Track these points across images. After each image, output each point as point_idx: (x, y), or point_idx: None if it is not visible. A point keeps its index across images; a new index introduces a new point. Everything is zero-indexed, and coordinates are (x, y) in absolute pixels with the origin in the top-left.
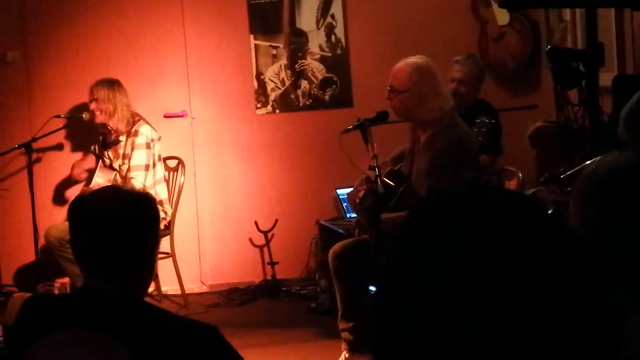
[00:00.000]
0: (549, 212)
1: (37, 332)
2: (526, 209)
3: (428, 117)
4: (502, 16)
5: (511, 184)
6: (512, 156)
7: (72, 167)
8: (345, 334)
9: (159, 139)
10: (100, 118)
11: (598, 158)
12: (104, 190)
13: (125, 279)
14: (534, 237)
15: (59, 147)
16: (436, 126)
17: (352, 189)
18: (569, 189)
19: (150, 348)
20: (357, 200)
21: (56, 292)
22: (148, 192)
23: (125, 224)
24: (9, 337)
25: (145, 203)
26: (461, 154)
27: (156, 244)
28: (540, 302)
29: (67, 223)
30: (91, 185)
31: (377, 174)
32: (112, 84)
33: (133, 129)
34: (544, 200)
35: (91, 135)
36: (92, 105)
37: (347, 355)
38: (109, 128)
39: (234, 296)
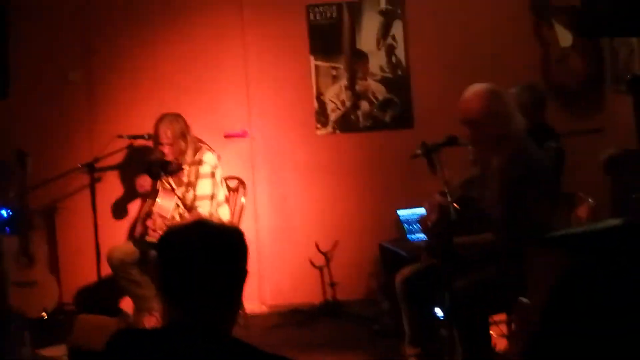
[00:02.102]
0: None
1: None
2: None
3: (516, 133)
4: (565, 38)
5: (581, 210)
6: (577, 181)
7: (136, 179)
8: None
9: (219, 158)
10: (170, 157)
11: None
12: (192, 224)
13: (214, 314)
14: None
15: (120, 166)
16: (510, 148)
17: (418, 210)
18: None
19: None
20: (429, 224)
21: (131, 321)
22: (237, 227)
23: (215, 259)
24: None
25: (235, 238)
26: (536, 178)
27: (244, 278)
28: None
29: (129, 244)
30: (154, 209)
31: (449, 200)
32: (178, 121)
33: (196, 158)
34: None
35: (148, 155)
36: (164, 148)
37: None
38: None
39: (295, 317)
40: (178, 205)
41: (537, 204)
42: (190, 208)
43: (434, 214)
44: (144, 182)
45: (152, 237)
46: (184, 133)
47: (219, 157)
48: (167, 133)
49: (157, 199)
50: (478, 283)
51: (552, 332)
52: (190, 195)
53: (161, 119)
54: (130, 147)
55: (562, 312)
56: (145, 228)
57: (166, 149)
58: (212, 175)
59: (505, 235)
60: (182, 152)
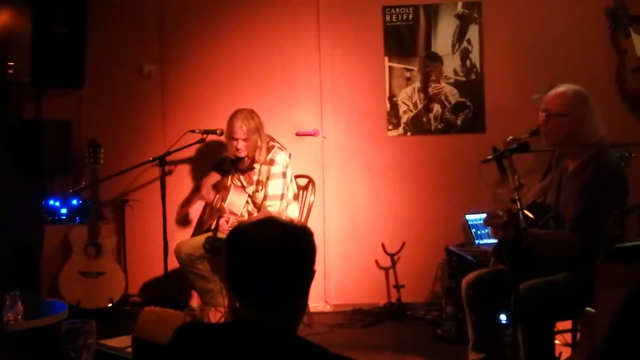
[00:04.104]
0: None
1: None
2: None
3: (585, 141)
4: None
5: None
6: None
7: (202, 186)
8: None
9: (290, 157)
10: (244, 154)
11: None
12: (262, 221)
13: (280, 311)
14: None
15: (190, 160)
16: (587, 153)
17: (486, 215)
18: None
19: None
20: (496, 228)
21: (197, 315)
22: (307, 226)
23: (284, 256)
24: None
25: (303, 236)
26: (611, 183)
27: (312, 277)
28: None
29: (197, 239)
30: (226, 206)
31: (519, 207)
32: (254, 117)
33: (269, 158)
34: None
35: (221, 151)
36: (239, 144)
37: None
38: (247, 156)
39: (358, 317)
40: (248, 202)
41: (610, 210)
42: (259, 207)
43: (503, 216)
44: (207, 194)
45: (225, 235)
46: (258, 129)
47: (289, 156)
48: (242, 128)
49: (228, 196)
50: (545, 286)
51: (619, 344)
52: (260, 195)
53: (235, 114)
54: (202, 142)
55: (631, 325)
56: (217, 225)
57: (240, 144)
58: (284, 175)
59: (579, 234)
60: (256, 148)
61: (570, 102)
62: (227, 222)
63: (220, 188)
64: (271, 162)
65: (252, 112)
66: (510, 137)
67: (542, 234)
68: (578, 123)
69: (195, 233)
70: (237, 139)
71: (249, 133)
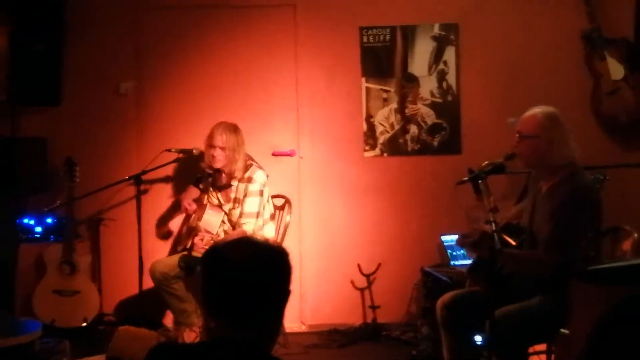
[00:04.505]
0: None
1: None
2: None
3: (557, 163)
4: (617, 71)
5: (626, 244)
6: (622, 214)
7: (182, 200)
8: None
9: (267, 177)
10: (220, 164)
11: None
12: (238, 241)
13: (255, 330)
14: None
15: (166, 179)
16: (561, 174)
17: (458, 236)
18: None
19: None
20: (467, 248)
21: (171, 335)
22: (283, 246)
23: (259, 276)
24: None
25: (279, 256)
26: (585, 204)
27: (287, 297)
28: None
29: (172, 258)
30: (201, 224)
31: (494, 229)
32: (236, 131)
33: (247, 175)
34: None
35: (197, 170)
36: (216, 152)
37: None
38: (223, 172)
39: (334, 338)
40: (224, 222)
41: (584, 231)
42: (235, 225)
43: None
44: (189, 205)
45: (200, 253)
46: (239, 144)
47: (267, 176)
48: (222, 136)
49: (204, 215)
50: (520, 311)
51: None
52: (236, 212)
53: (219, 123)
54: (178, 161)
55: (606, 346)
56: (192, 243)
57: (217, 153)
58: (261, 193)
59: (552, 254)
60: (234, 161)
61: (540, 124)
62: (202, 240)
63: (197, 206)
64: (249, 180)
65: (236, 127)
66: (486, 162)
67: (516, 253)
68: (548, 145)
69: (171, 252)
70: (215, 147)
71: (227, 143)
